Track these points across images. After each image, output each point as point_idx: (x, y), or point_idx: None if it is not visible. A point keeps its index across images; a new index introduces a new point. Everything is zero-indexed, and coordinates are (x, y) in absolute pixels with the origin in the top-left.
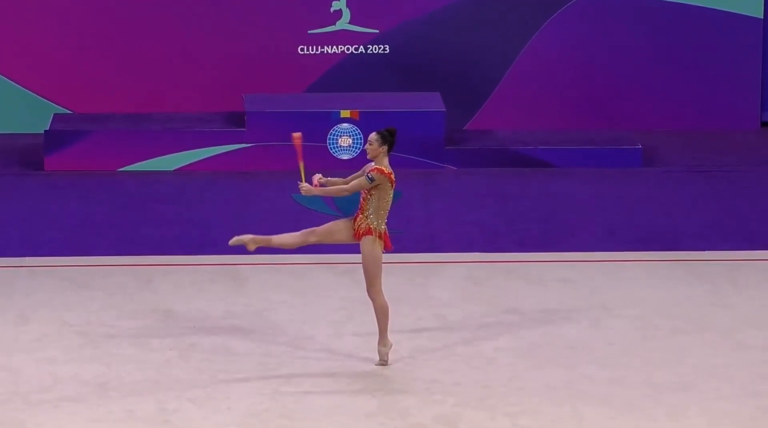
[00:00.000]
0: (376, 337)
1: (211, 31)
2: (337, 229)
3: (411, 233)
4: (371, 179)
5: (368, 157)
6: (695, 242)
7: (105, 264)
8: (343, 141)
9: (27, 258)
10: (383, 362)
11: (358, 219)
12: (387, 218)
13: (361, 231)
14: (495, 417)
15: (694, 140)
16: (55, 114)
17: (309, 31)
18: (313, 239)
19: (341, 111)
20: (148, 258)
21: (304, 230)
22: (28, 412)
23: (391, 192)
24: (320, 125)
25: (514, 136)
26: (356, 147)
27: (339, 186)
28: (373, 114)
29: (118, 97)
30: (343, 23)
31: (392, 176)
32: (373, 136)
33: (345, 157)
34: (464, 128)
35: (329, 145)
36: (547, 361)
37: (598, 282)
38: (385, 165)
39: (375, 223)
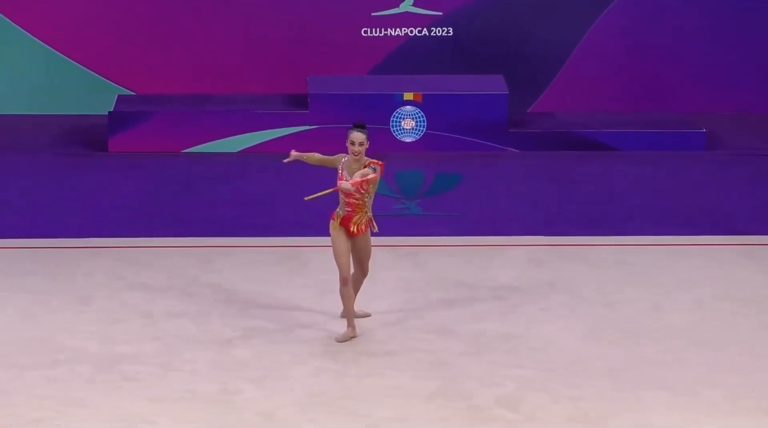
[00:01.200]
0: (440, 320)
1: (274, 13)
2: (346, 246)
3: (472, 216)
4: (375, 170)
5: (356, 157)
6: (755, 225)
7: (167, 246)
8: (406, 123)
9: (90, 239)
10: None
11: (354, 220)
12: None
13: (362, 227)
14: (557, 400)
15: (756, 124)
16: (119, 95)
17: (373, 13)
18: (349, 270)
19: (404, 93)
20: (210, 239)
21: (344, 276)
22: (90, 391)
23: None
24: (383, 108)
25: (577, 119)
26: (419, 129)
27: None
28: (436, 96)
29: (182, 79)
30: (407, 5)
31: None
32: (362, 136)
33: (408, 139)
34: (527, 110)
35: (392, 127)
36: (607, 344)
37: (658, 265)
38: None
39: (370, 214)
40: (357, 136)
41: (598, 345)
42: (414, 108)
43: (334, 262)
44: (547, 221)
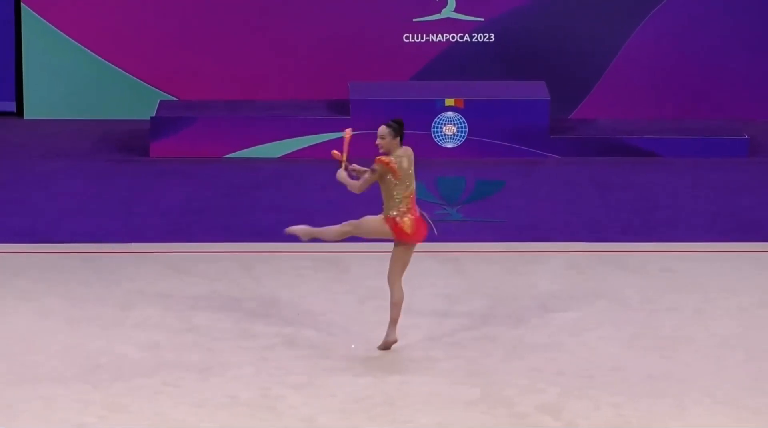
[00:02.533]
0: (481, 327)
1: (316, 19)
2: (369, 225)
3: (514, 222)
4: (373, 170)
5: (382, 151)
6: None
7: (208, 251)
8: (448, 130)
9: (131, 244)
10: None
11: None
12: (409, 205)
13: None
14: (598, 406)
15: None
16: (161, 101)
17: (414, 19)
18: (348, 229)
19: (446, 99)
20: (251, 245)
21: (344, 223)
22: (131, 397)
23: (396, 179)
24: (425, 114)
25: (619, 125)
26: (461, 136)
27: (355, 182)
28: (477, 102)
29: (224, 85)
30: (449, 11)
31: (393, 164)
32: (384, 130)
33: (449, 145)
34: (569, 117)
35: (433, 133)
36: (650, 351)
37: (701, 272)
38: (396, 154)
39: (391, 211)
40: (381, 130)
41: (640, 352)
42: (455, 114)
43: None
44: (589, 228)
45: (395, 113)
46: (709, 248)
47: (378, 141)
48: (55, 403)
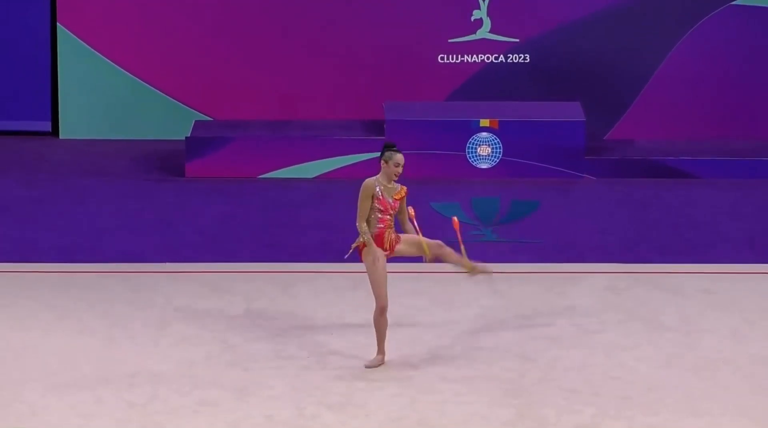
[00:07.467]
0: (516, 346)
1: (351, 39)
2: (385, 273)
3: (550, 243)
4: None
5: (395, 178)
6: None
7: (245, 270)
8: (483, 150)
9: (168, 264)
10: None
11: (385, 237)
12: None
13: (392, 243)
14: (633, 427)
15: None
16: (196, 121)
17: (449, 40)
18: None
19: (481, 120)
20: (288, 265)
21: (383, 304)
22: (168, 416)
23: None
24: (459, 134)
25: (655, 146)
26: (495, 156)
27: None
28: (512, 123)
29: (259, 105)
30: (484, 32)
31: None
32: (402, 158)
33: (484, 166)
34: (605, 137)
35: (468, 154)
36: (687, 372)
37: (739, 293)
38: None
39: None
40: (402, 158)
41: (676, 373)
42: (490, 134)
43: (373, 291)
44: (625, 249)
45: (430, 133)
46: (748, 270)
47: (401, 170)
48: (92, 421)
